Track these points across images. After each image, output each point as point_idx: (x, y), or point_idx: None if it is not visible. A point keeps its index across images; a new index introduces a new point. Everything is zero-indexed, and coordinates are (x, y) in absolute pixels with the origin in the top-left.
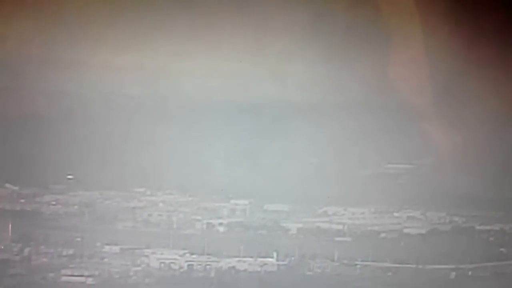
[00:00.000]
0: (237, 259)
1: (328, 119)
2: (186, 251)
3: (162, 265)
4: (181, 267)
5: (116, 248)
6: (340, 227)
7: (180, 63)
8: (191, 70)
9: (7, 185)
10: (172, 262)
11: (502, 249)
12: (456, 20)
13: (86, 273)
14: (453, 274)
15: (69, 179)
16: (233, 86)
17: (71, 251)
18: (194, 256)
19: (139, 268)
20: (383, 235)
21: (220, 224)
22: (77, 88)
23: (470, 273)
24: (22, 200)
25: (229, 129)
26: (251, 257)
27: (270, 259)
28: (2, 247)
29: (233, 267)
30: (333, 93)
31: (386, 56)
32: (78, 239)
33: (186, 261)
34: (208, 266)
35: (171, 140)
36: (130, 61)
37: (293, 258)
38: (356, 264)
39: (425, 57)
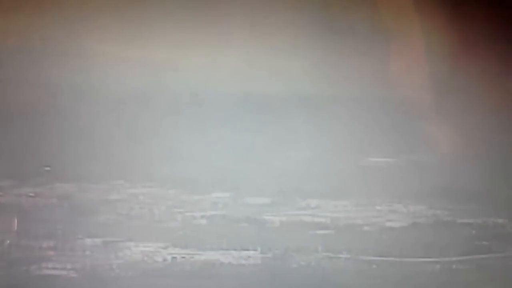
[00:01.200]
0: (221, 251)
1: (310, 113)
2: (169, 243)
3: (146, 258)
4: (164, 260)
5: (98, 241)
6: (323, 220)
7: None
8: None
9: None
10: (155, 255)
11: (485, 242)
12: (457, 18)
13: (68, 266)
14: (437, 267)
15: (47, 171)
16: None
17: (52, 244)
18: (177, 249)
19: (122, 261)
20: (366, 228)
21: (202, 217)
22: (69, 81)
23: (454, 266)
24: (0, 193)
25: (212, 123)
26: (235, 249)
27: (254, 252)
28: None
29: (218, 259)
30: (322, 87)
31: (381, 51)
32: (59, 231)
33: (170, 254)
34: (192, 259)
35: (150, 133)
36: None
37: (277, 251)
38: (341, 257)
39: (423, 53)
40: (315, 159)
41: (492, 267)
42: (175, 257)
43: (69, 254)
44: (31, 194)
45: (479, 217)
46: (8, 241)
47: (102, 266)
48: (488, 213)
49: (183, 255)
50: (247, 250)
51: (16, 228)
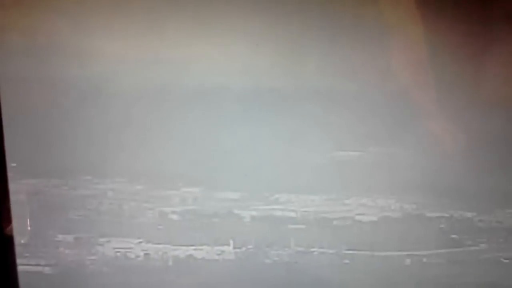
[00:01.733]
0: (194, 247)
1: (276, 107)
2: (141, 239)
3: (118, 254)
4: (137, 256)
5: (69, 237)
6: (293, 214)
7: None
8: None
9: None
10: (128, 251)
11: (454, 236)
12: (457, 15)
13: (42, 262)
14: (408, 261)
15: (13, 167)
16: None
17: (23, 240)
18: (149, 244)
19: (95, 257)
20: (335, 222)
21: (173, 212)
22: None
23: (424, 260)
24: None
25: (179, 116)
26: (208, 245)
27: (227, 247)
28: None
29: (191, 255)
30: (285, 80)
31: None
32: (29, 228)
33: (142, 250)
34: (165, 255)
35: (118, 128)
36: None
37: (250, 246)
38: (313, 252)
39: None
40: (283, 154)
41: (462, 261)
42: (148, 253)
43: (42, 251)
44: None
45: (447, 211)
46: None
47: (76, 262)
48: (456, 207)
49: (156, 251)
50: (220, 245)
51: None
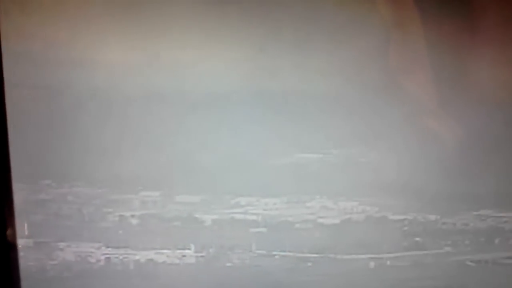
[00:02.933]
0: (155, 251)
1: (239, 109)
2: (101, 244)
3: (79, 258)
4: (98, 261)
5: (29, 241)
6: (255, 217)
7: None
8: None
9: None
10: (88, 256)
11: (417, 239)
12: (457, 11)
13: (2, 267)
14: (372, 264)
15: None
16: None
17: None
18: (110, 249)
19: (55, 262)
20: (297, 225)
21: (133, 216)
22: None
23: (388, 262)
24: None
25: (137, 120)
26: (169, 249)
27: (188, 251)
28: None
29: (151, 259)
30: (245, 82)
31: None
32: None
33: (103, 254)
34: (126, 259)
35: (78, 130)
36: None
37: (211, 250)
38: (275, 255)
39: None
40: (244, 156)
41: (427, 264)
42: (108, 258)
43: (3, 255)
44: None
45: (410, 213)
46: None
47: (36, 266)
48: (419, 209)
49: (116, 256)
50: (181, 249)
51: None
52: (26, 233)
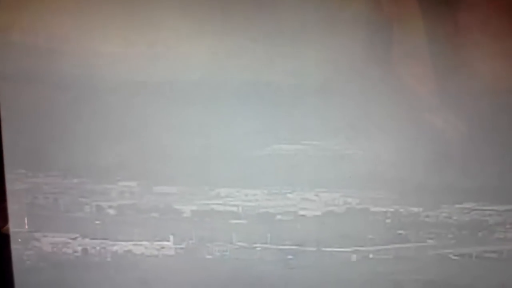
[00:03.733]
0: (133, 242)
1: (218, 98)
2: (78, 234)
3: (55, 249)
4: (75, 251)
5: (4, 231)
6: (235, 209)
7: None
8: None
9: None
10: (64, 246)
11: (400, 232)
12: (457, 6)
13: None
14: (354, 256)
15: None
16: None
17: None
18: (87, 239)
19: (31, 252)
20: (278, 217)
21: (110, 206)
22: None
23: (371, 255)
24: None
25: (116, 109)
26: (147, 240)
27: (167, 243)
28: None
29: (130, 250)
30: (230, 73)
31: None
32: None
33: (80, 245)
34: (103, 250)
35: (52, 120)
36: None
37: (191, 242)
38: (256, 247)
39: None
40: (223, 147)
41: (410, 257)
42: (85, 249)
43: None
44: None
45: (392, 206)
46: None
47: (13, 256)
48: (401, 202)
49: (93, 246)
50: (160, 240)
51: None
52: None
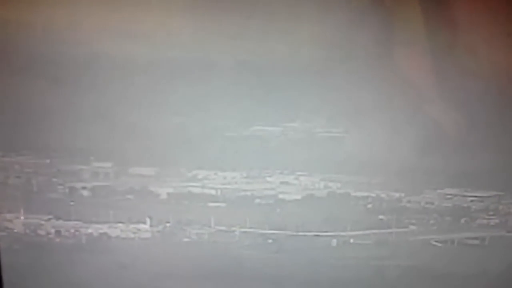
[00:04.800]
0: (108, 225)
1: (193, 76)
2: (51, 216)
3: (28, 230)
4: (48, 233)
5: None
6: (213, 192)
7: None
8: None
9: None
10: (38, 228)
11: (381, 217)
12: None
13: None
14: (334, 241)
15: None
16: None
17: None
18: (60, 221)
19: (4, 233)
20: (257, 200)
21: (84, 188)
22: None
23: (351, 240)
24: None
25: (88, 86)
26: (123, 222)
27: (143, 225)
28: None
29: (105, 233)
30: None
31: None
32: None
33: (53, 227)
34: (77, 232)
35: (26, 96)
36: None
37: (167, 225)
38: (234, 231)
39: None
40: (201, 127)
41: (391, 242)
42: (59, 230)
43: None
44: None
45: (373, 190)
46: None
47: None
48: (382, 186)
49: (67, 228)
50: (136, 223)
51: None
52: None
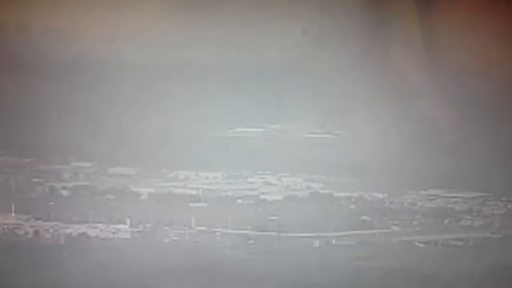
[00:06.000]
0: (87, 225)
1: (178, 80)
2: (30, 215)
3: (6, 230)
4: (27, 233)
5: None
6: (194, 192)
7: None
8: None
9: None
10: (16, 228)
11: (364, 217)
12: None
13: None
14: (317, 242)
15: None
16: None
17: None
18: (39, 221)
19: None
20: (239, 201)
21: (64, 187)
22: None
23: (334, 241)
24: None
25: (69, 87)
26: (102, 223)
27: (123, 226)
28: None
29: (84, 233)
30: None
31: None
32: None
33: (32, 227)
34: (56, 232)
35: (7, 99)
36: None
37: (148, 225)
38: (216, 232)
39: None
40: (181, 128)
41: (374, 243)
42: (37, 230)
43: None
44: None
45: (356, 191)
46: None
47: None
48: (365, 187)
49: (46, 228)
50: (116, 223)
51: None
52: None
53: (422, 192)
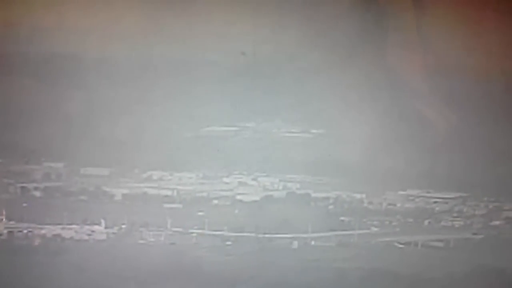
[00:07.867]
0: (61, 226)
1: (151, 77)
2: (3, 217)
3: None
4: (0, 234)
5: None
6: (169, 193)
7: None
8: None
9: None
10: None
11: (343, 218)
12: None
13: None
14: (295, 243)
15: None
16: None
17: None
18: (12, 222)
19: None
20: (215, 201)
21: (36, 188)
22: None
23: (313, 242)
24: None
25: (40, 86)
26: (77, 224)
27: (97, 227)
28: None
29: (58, 234)
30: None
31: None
32: None
33: (5, 228)
34: (30, 234)
35: None
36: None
37: (123, 226)
38: (192, 233)
39: None
40: (154, 128)
41: (353, 244)
42: (11, 232)
43: None
44: None
45: (334, 191)
46: None
47: None
48: (343, 187)
49: (19, 229)
50: (90, 224)
51: None
52: None
53: (401, 192)
